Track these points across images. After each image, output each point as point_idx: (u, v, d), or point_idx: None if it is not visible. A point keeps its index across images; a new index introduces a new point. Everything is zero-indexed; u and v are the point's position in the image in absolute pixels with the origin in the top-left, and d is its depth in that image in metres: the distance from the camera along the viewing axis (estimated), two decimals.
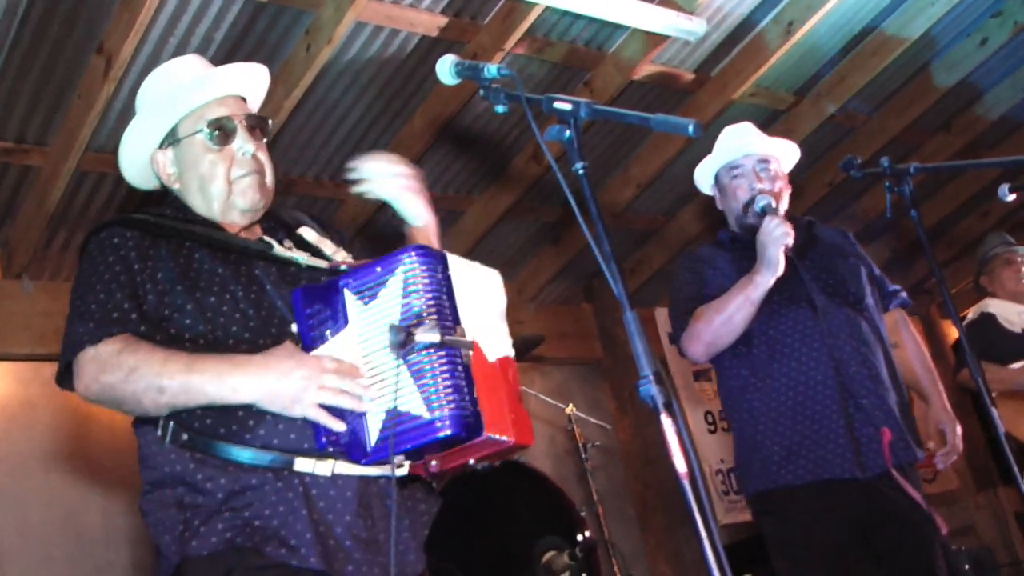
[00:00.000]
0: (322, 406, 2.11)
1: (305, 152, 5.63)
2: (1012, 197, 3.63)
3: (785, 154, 3.81)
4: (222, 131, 2.38)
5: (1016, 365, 5.46)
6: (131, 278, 2.24)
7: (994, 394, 5.21)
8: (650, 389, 1.78)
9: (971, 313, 5.85)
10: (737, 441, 3.67)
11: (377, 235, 6.36)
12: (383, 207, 5.97)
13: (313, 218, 2.62)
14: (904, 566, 3.37)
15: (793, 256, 3.50)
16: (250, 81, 2.51)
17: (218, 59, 4.59)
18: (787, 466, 3.46)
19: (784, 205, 3.68)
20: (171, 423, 2.18)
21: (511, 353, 2.27)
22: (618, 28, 5.42)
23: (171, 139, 2.41)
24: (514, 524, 4.93)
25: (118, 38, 4.30)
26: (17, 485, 5.40)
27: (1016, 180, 3.79)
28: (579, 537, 4.89)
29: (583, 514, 5.00)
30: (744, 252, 3.64)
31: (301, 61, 4.80)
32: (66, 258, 5.64)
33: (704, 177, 3.87)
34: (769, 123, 6.68)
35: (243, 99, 2.51)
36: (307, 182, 5.84)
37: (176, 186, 2.43)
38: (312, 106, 5.25)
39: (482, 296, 2.25)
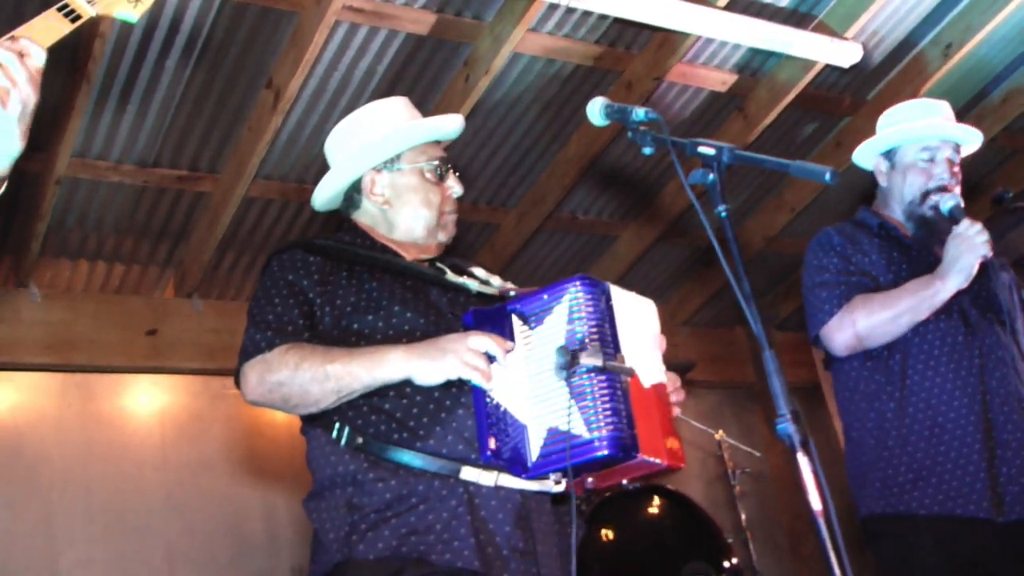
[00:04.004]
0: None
1: (462, 178, 5.78)
2: None
3: (971, 147, 3.42)
4: (442, 169, 2.67)
5: None
6: (309, 299, 2.41)
7: None
8: (787, 428, 1.84)
9: None
10: (855, 454, 3.22)
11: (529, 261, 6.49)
12: (535, 235, 6.14)
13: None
14: None
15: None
16: (453, 131, 2.76)
17: (380, 91, 4.80)
18: (913, 492, 3.04)
19: None
20: (347, 427, 2.32)
21: (664, 380, 2.37)
22: (772, 55, 5.42)
23: (392, 164, 2.63)
24: (660, 548, 4.95)
25: (286, 73, 4.53)
26: (185, 492, 5.70)
27: None
28: (726, 564, 4.88)
29: (730, 541, 5.00)
30: (895, 244, 3.28)
31: (459, 92, 4.96)
32: (233, 278, 5.93)
33: (873, 148, 3.41)
34: None
35: None
36: (464, 207, 5.97)
37: (384, 206, 2.62)
38: (470, 134, 5.39)
39: (639, 325, 2.36)
